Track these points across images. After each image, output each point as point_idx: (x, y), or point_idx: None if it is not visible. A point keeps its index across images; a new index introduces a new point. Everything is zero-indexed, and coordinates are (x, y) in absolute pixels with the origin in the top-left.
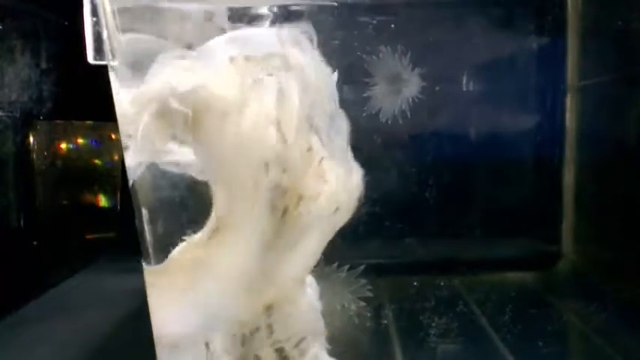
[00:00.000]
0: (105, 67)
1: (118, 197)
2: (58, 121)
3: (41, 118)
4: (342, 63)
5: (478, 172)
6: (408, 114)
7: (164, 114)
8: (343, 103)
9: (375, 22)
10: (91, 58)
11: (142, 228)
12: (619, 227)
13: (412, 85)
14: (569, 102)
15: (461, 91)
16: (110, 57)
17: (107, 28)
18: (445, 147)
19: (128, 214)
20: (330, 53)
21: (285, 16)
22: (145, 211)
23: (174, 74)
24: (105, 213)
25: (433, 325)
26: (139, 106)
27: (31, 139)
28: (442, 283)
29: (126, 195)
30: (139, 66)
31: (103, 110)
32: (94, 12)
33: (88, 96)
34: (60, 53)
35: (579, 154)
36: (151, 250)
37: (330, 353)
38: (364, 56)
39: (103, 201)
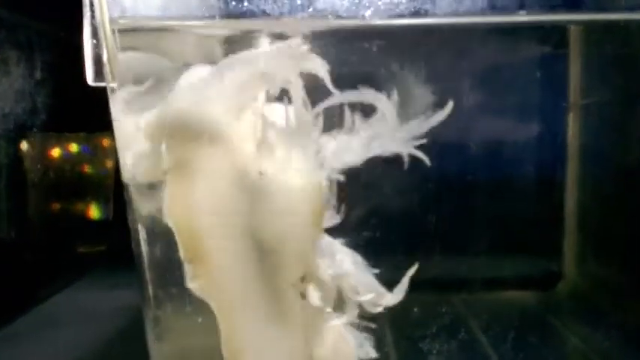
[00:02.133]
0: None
1: (111, 208)
2: (50, 133)
3: (34, 129)
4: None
5: (479, 191)
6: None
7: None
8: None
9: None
10: (90, 80)
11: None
12: (621, 247)
13: (418, 104)
14: (572, 121)
15: (462, 109)
16: (110, 79)
17: (107, 50)
18: (445, 165)
19: (120, 227)
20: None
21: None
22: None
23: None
24: (97, 225)
25: (432, 343)
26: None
27: (24, 151)
28: (441, 302)
29: (118, 206)
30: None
31: (97, 122)
32: (94, 34)
33: (82, 107)
34: (54, 64)
35: (581, 174)
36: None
37: None
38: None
39: (95, 212)
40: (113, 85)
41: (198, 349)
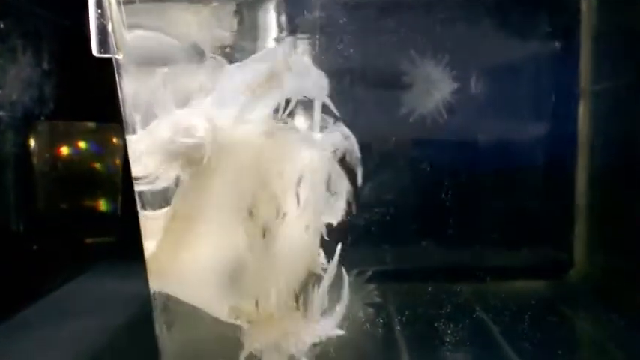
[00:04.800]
0: (108, 68)
1: (119, 202)
2: (59, 122)
3: (42, 119)
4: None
5: (488, 178)
6: (419, 120)
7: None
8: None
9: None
10: (95, 51)
11: None
12: (631, 235)
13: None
14: (582, 107)
15: (471, 95)
16: (115, 50)
17: (112, 21)
18: (455, 153)
19: (128, 219)
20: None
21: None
22: None
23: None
24: (105, 217)
25: (442, 332)
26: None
27: (32, 141)
28: (452, 291)
29: (126, 199)
30: (145, 62)
31: (106, 112)
32: (99, 4)
33: (90, 97)
34: (62, 54)
35: (592, 160)
36: None
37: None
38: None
39: (103, 205)
40: (118, 56)
41: (207, 337)
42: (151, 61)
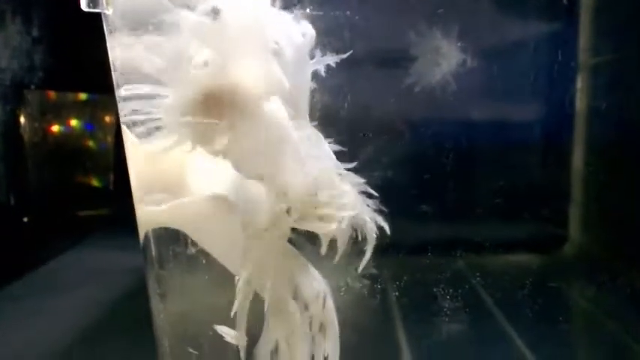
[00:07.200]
0: (101, 38)
1: (111, 176)
2: (49, 91)
3: (32, 87)
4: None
5: (485, 152)
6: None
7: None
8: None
9: None
10: (84, 6)
11: None
12: (628, 210)
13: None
14: (580, 81)
15: (470, 69)
16: (104, 5)
17: None
18: (452, 127)
19: (121, 191)
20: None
21: None
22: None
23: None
24: (97, 190)
25: (437, 305)
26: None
27: (22, 110)
28: (447, 264)
29: (119, 173)
30: (136, 21)
31: (97, 82)
32: None
33: (81, 66)
34: (53, 21)
35: (589, 135)
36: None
37: None
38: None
39: (95, 179)
40: (107, 11)
41: (201, 307)
42: (142, 20)
